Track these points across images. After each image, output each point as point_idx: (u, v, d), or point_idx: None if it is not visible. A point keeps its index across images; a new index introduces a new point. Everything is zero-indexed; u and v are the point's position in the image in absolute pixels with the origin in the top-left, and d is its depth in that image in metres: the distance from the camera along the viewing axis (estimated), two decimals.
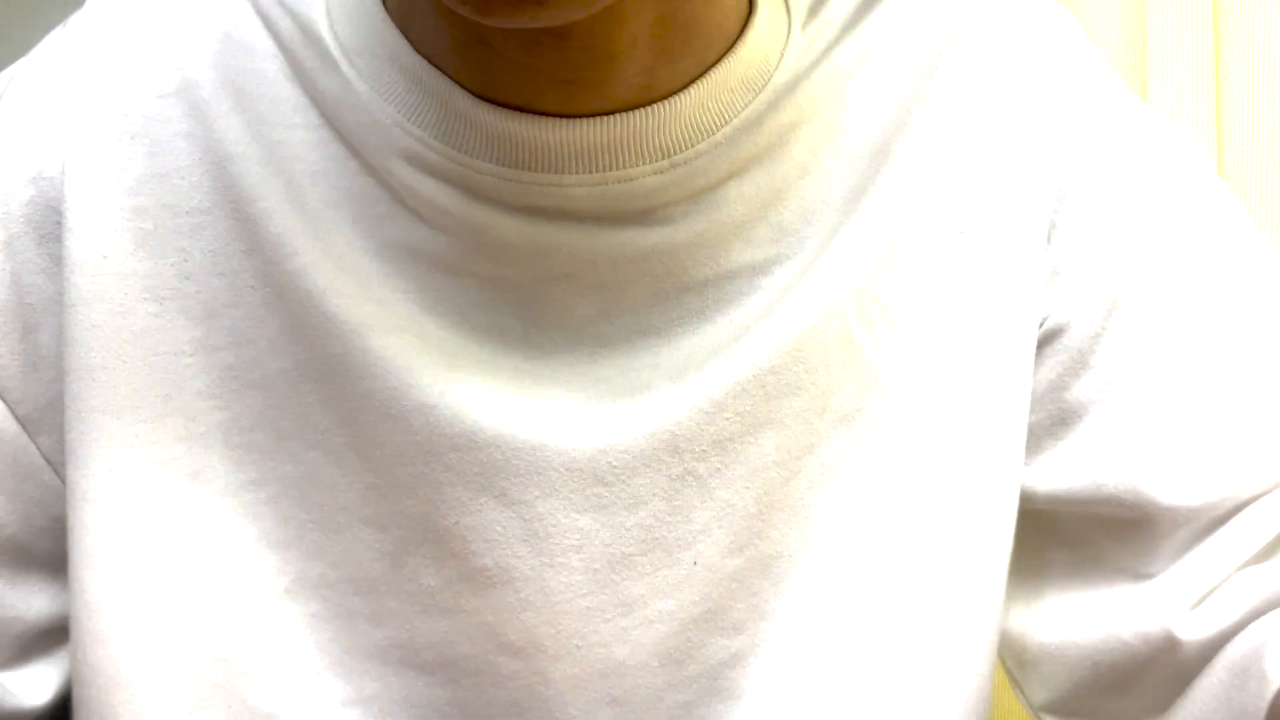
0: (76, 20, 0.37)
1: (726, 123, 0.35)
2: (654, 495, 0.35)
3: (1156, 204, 0.38)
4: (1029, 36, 0.39)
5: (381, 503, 0.35)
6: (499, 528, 0.35)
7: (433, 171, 0.34)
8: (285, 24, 0.36)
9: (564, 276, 0.35)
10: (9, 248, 0.35)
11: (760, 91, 0.36)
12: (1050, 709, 0.40)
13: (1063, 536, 0.40)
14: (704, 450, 0.35)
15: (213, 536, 0.35)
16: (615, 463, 0.35)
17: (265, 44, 0.36)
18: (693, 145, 0.34)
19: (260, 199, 0.35)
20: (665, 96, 0.34)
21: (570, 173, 0.34)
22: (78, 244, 0.34)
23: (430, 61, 0.34)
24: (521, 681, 0.36)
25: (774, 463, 0.36)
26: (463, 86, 0.34)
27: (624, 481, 0.35)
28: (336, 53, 0.35)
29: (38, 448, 0.36)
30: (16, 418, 0.36)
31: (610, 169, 0.34)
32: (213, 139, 0.35)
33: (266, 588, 0.36)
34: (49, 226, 0.35)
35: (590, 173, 0.34)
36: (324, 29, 0.35)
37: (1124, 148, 0.38)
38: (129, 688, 0.35)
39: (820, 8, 0.38)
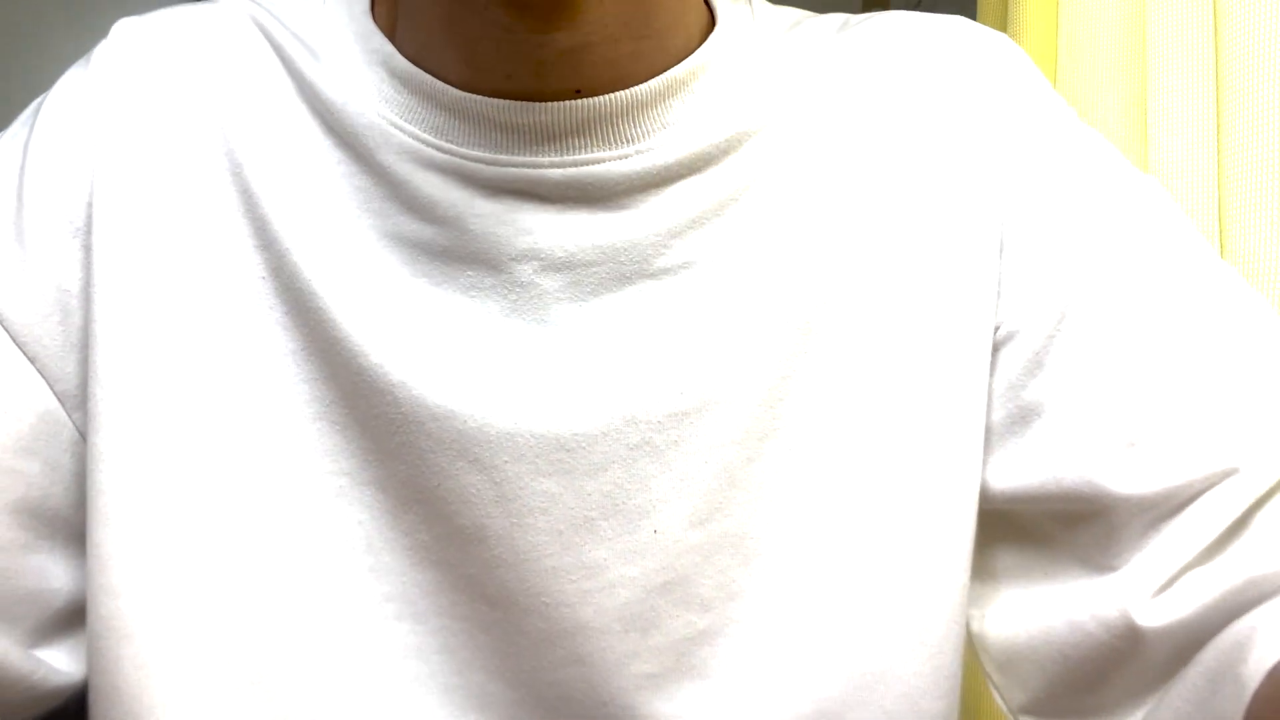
0: (102, 48, 0.41)
1: (686, 118, 0.38)
2: (613, 462, 0.37)
3: (1099, 216, 0.39)
4: (980, 63, 0.41)
5: (379, 467, 0.38)
6: (473, 490, 0.37)
7: (425, 163, 0.38)
8: (290, 44, 0.40)
9: (534, 255, 0.38)
10: (47, 240, 0.39)
11: (720, 92, 0.39)
12: (1029, 710, 0.41)
13: (1024, 535, 0.41)
14: (660, 422, 0.37)
15: (220, 500, 0.38)
16: (577, 430, 0.37)
17: (272, 63, 0.41)
18: (654, 135, 0.38)
19: (269, 199, 0.39)
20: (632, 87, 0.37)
21: (544, 154, 0.37)
22: (105, 239, 0.38)
23: (419, 66, 0.38)
24: (501, 630, 0.38)
25: (733, 441, 0.38)
26: (449, 84, 0.37)
27: (585, 448, 0.37)
28: (336, 67, 0.39)
29: (73, 422, 0.39)
30: (55, 394, 0.39)
31: (579, 151, 0.37)
32: (229, 148, 0.39)
33: (272, 548, 0.38)
34: (81, 221, 0.39)
35: (561, 154, 0.37)
36: (324, 47, 0.40)
37: (1068, 166, 0.40)
38: (135, 640, 0.36)
39: (788, 25, 0.41)
